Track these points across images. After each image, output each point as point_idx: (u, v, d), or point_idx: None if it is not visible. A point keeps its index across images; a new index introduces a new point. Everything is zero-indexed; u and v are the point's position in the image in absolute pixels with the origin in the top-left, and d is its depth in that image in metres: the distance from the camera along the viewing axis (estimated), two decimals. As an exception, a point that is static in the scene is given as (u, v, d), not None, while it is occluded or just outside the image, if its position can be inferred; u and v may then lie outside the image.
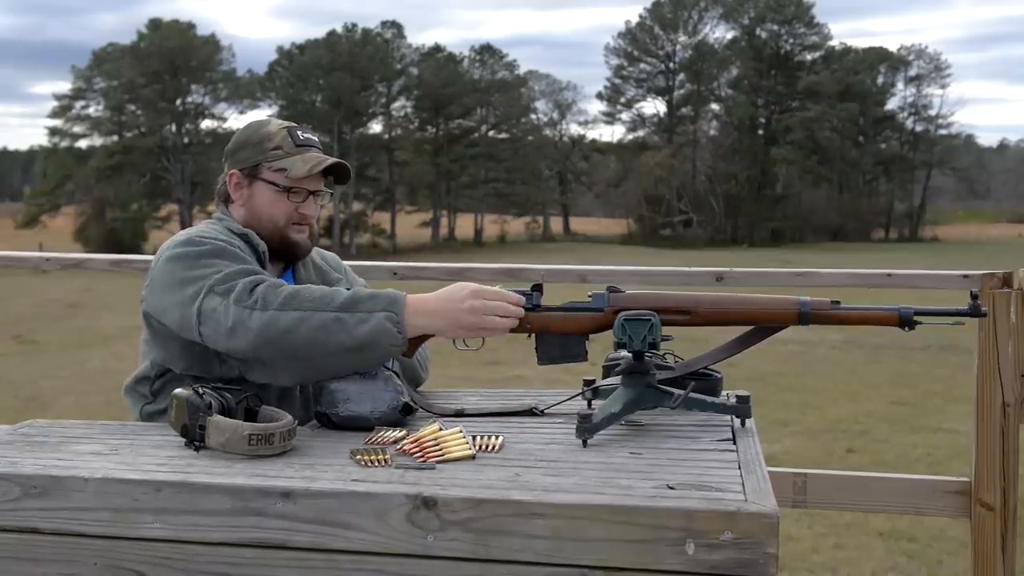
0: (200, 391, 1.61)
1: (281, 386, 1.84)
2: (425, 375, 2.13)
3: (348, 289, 2.01)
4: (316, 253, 2.15)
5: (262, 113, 50.71)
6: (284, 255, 2.02)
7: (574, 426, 1.61)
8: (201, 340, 1.77)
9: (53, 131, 48.17)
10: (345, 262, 2.30)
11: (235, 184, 2.02)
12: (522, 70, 56.00)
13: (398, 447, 1.58)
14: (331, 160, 2.00)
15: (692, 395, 1.69)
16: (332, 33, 50.03)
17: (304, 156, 1.98)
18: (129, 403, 1.97)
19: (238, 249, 1.87)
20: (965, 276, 2.76)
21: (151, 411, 1.92)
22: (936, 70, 53.56)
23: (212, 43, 49.55)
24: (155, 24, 48.64)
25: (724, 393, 1.89)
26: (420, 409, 1.84)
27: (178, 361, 1.87)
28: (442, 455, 1.52)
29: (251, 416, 1.66)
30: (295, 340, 1.68)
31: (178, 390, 1.63)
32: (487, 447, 1.59)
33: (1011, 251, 34.72)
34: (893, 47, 59.41)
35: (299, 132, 2.02)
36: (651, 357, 1.71)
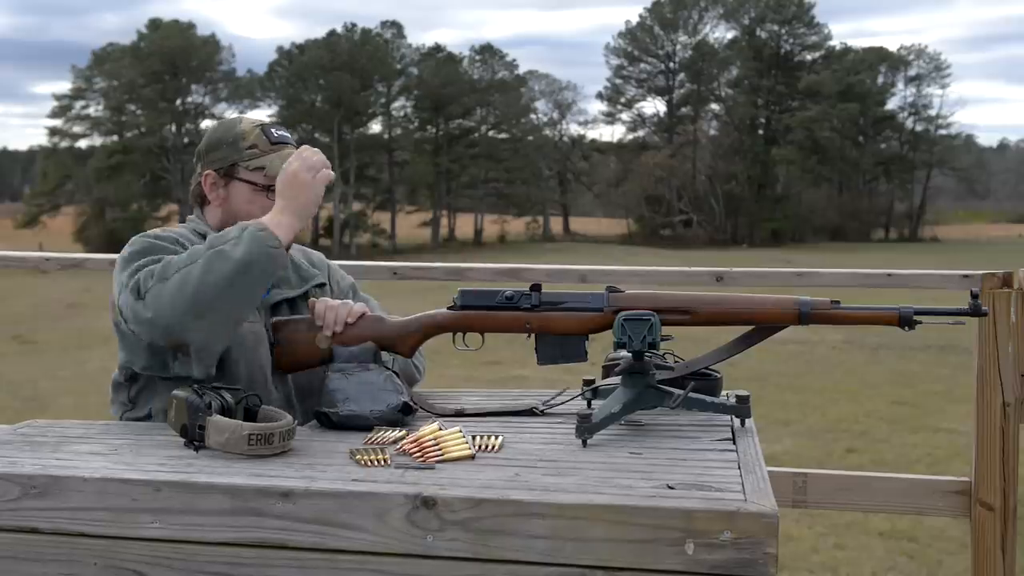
0: (200, 391, 1.61)
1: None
2: (420, 376, 2.13)
3: (323, 284, 2.07)
4: (298, 250, 2.13)
5: (262, 114, 50.68)
6: None
7: (574, 426, 1.61)
8: (148, 338, 1.77)
9: (53, 131, 48.23)
10: (346, 262, 2.29)
11: (211, 184, 2.00)
12: (524, 70, 56.14)
13: (397, 447, 1.58)
14: None
15: (692, 395, 1.69)
16: (332, 33, 50.05)
17: (281, 154, 1.96)
18: (112, 412, 1.97)
19: (175, 243, 1.87)
20: (965, 276, 2.76)
21: (131, 417, 1.92)
22: (936, 70, 53.56)
23: (212, 43, 49.56)
24: (155, 24, 48.66)
25: (724, 393, 1.89)
26: (419, 409, 1.84)
27: (137, 359, 1.87)
28: (442, 455, 1.52)
29: (251, 416, 1.66)
30: (186, 293, 1.67)
31: (177, 390, 1.63)
32: (487, 447, 1.59)
33: (1011, 251, 34.69)
34: (894, 47, 59.53)
35: (273, 130, 2.00)
36: (651, 357, 1.71)
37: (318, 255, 2.21)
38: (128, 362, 1.89)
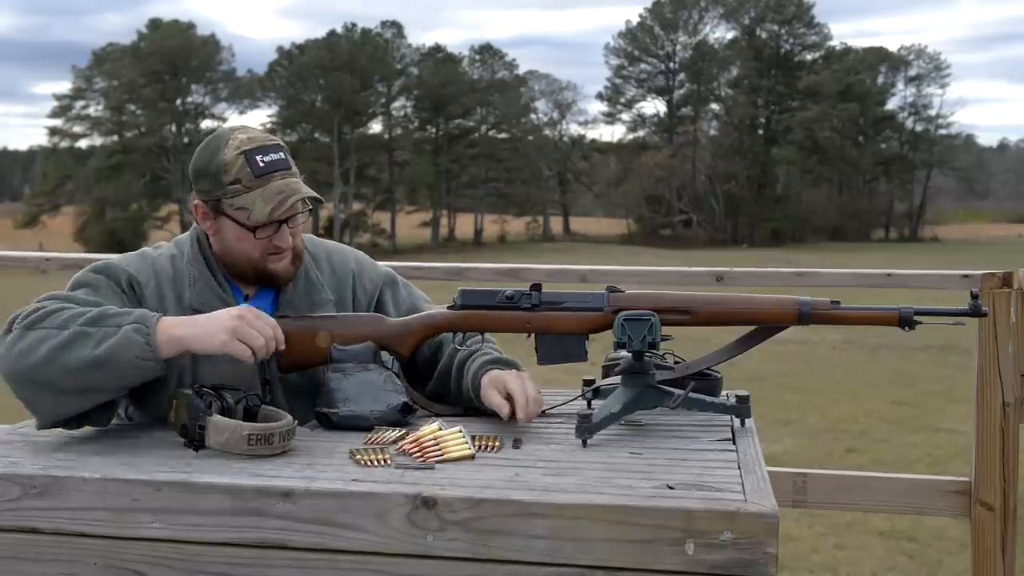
0: (200, 391, 1.61)
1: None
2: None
3: (326, 300, 1.91)
4: (323, 255, 1.99)
5: (262, 114, 50.78)
6: (264, 284, 1.90)
7: (574, 426, 1.61)
8: None
9: (53, 131, 48.25)
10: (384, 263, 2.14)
11: (202, 215, 1.85)
12: (525, 70, 56.16)
13: (397, 447, 1.58)
14: (294, 199, 1.79)
15: (692, 395, 1.69)
16: (332, 33, 50.07)
17: (265, 192, 1.77)
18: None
19: (118, 286, 1.78)
20: (965, 276, 2.75)
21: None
22: (936, 70, 53.59)
23: (212, 43, 49.58)
24: (155, 24, 48.68)
25: (724, 393, 1.90)
26: (420, 409, 1.84)
27: None
28: (442, 455, 1.52)
29: (251, 416, 1.66)
30: (33, 360, 1.59)
31: (178, 390, 1.64)
32: (487, 447, 1.59)
33: (1011, 251, 34.67)
34: (894, 47, 59.59)
35: (258, 157, 1.78)
36: (651, 357, 1.71)
37: (341, 260, 2.01)
38: None
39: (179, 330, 1.63)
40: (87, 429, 1.76)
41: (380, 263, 2.13)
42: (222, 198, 1.80)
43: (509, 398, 1.73)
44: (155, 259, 1.87)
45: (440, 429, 1.59)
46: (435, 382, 1.94)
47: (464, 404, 1.87)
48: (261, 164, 1.79)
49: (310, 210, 1.89)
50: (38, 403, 1.65)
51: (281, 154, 1.83)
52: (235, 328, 1.63)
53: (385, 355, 1.87)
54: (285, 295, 1.91)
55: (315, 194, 1.85)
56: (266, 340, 1.66)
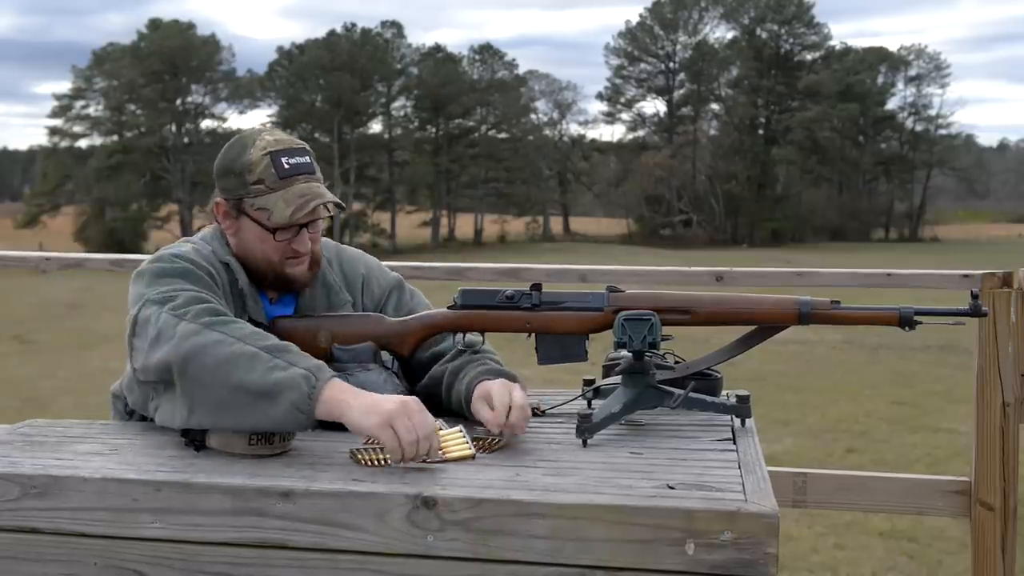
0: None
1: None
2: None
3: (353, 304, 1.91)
4: (335, 258, 2.00)
5: (262, 114, 50.78)
6: (281, 288, 1.89)
7: (574, 426, 1.61)
8: (130, 355, 1.67)
9: (53, 131, 48.20)
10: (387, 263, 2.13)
11: (223, 213, 1.85)
12: (526, 70, 56.16)
13: (398, 447, 1.57)
14: (315, 202, 1.79)
15: (692, 395, 1.70)
16: (332, 33, 50.06)
17: (287, 194, 1.78)
18: (111, 412, 1.94)
19: (206, 276, 1.76)
20: (965, 276, 2.75)
21: None
22: (936, 70, 53.55)
23: (212, 43, 49.55)
24: (155, 24, 48.66)
25: (724, 393, 1.90)
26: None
27: (132, 389, 1.76)
28: (442, 455, 1.52)
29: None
30: (205, 361, 1.53)
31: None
32: (487, 447, 1.59)
33: (1011, 251, 34.66)
34: (895, 47, 59.56)
35: (283, 159, 1.79)
36: (651, 357, 1.71)
37: (351, 265, 2.02)
38: (128, 387, 1.79)
39: (343, 395, 1.53)
40: (86, 429, 1.76)
41: (386, 268, 2.12)
42: (244, 197, 1.81)
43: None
44: (203, 255, 1.84)
45: (440, 429, 1.59)
46: (425, 384, 1.92)
47: (454, 411, 1.84)
48: (286, 166, 1.79)
49: (331, 216, 1.88)
50: (189, 401, 1.57)
51: (307, 158, 1.83)
52: (392, 415, 1.49)
53: (385, 355, 1.87)
54: (303, 298, 1.91)
55: (337, 199, 1.84)
56: (418, 439, 1.48)
